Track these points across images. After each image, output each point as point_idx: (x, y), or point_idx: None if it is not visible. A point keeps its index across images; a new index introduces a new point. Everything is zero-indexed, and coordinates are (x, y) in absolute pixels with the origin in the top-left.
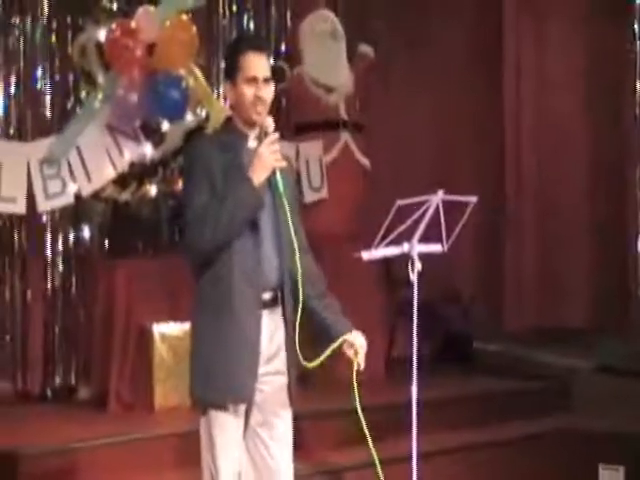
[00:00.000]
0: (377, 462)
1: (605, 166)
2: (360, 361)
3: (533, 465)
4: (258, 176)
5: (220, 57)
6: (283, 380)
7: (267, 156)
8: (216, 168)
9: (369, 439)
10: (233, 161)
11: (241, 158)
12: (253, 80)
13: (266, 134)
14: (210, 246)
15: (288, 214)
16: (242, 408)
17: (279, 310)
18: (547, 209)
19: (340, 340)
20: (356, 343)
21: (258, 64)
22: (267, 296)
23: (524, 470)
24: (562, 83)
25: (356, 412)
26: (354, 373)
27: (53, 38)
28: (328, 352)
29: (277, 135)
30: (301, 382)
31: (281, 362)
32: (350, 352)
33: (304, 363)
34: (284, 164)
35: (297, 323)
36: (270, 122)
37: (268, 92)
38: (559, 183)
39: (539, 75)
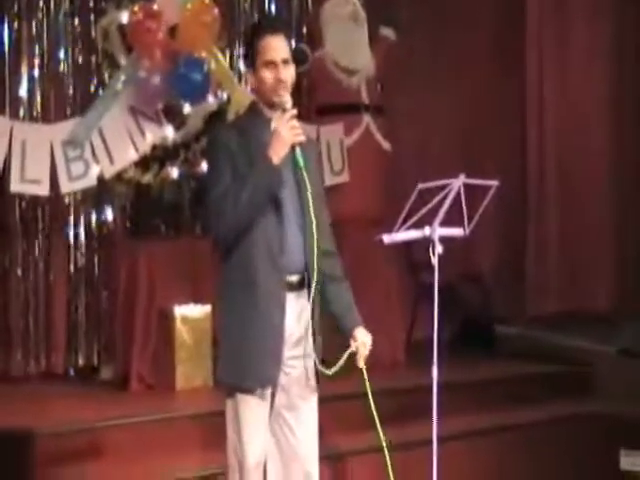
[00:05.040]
0: (385, 447)
1: (629, 149)
2: (361, 360)
3: (554, 449)
4: (277, 153)
5: (242, 40)
6: (309, 363)
7: (285, 132)
8: (239, 154)
9: (379, 427)
10: (256, 145)
11: (264, 141)
12: (272, 64)
13: (284, 110)
14: (232, 229)
15: (309, 187)
16: (268, 391)
17: (305, 293)
18: (570, 191)
19: (349, 349)
20: (359, 340)
21: (276, 47)
22: (293, 279)
23: (545, 454)
24: (585, 66)
25: (371, 396)
26: (363, 371)
27: (76, 21)
28: (343, 359)
29: (295, 111)
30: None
31: (308, 345)
32: (354, 346)
33: (323, 370)
34: (303, 139)
35: (311, 298)
36: (288, 99)
37: (288, 73)
38: (582, 165)
39: (562, 56)
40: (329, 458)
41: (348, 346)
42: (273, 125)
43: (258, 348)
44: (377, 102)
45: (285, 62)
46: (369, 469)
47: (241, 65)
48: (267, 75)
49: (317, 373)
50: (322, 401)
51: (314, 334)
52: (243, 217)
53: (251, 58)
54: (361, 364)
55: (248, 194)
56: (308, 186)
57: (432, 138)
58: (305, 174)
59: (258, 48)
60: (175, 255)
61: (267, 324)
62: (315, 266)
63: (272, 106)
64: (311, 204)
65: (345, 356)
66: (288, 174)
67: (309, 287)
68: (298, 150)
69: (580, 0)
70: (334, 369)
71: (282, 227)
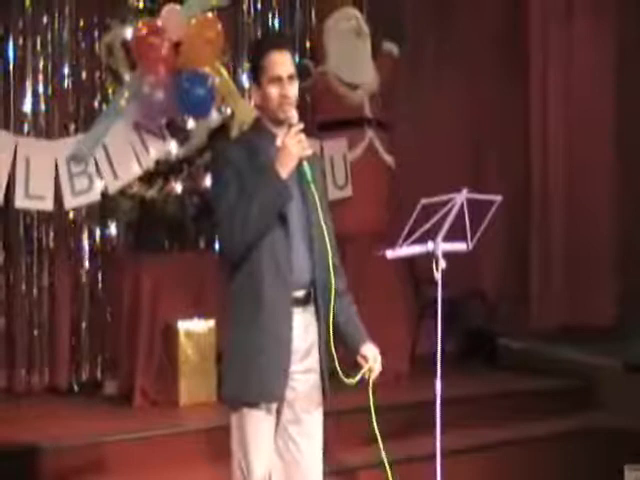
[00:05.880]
0: (386, 464)
1: (635, 157)
2: (372, 375)
3: (558, 464)
4: (285, 168)
5: (245, 55)
6: (315, 378)
7: (292, 146)
8: (245, 171)
9: (380, 443)
10: (262, 161)
11: (270, 158)
12: (278, 79)
13: (290, 125)
14: (241, 244)
15: (317, 201)
16: (274, 406)
17: (311, 308)
18: (574, 205)
19: (365, 368)
20: (369, 356)
21: (281, 63)
22: (299, 294)
23: (548, 469)
24: (590, 70)
25: (375, 412)
26: (370, 387)
27: (80, 37)
28: (362, 373)
29: (301, 125)
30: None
31: (314, 360)
32: (364, 364)
33: (344, 379)
34: (310, 152)
35: (331, 317)
36: (293, 114)
37: (293, 89)
38: (587, 178)
39: (567, 63)
40: (335, 473)
41: (356, 361)
42: (278, 141)
43: (265, 363)
44: (380, 117)
45: (290, 78)
46: None
47: (244, 80)
48: (273, 91)
49: (323, 388)
50: (328, 415)
51: (321, 349)
52: (252, 232)
53: (256, 74)
54: (373, 377)
55: (257, 209)
56: (317, 200)
57: (435, 153)
58: (313, 188)
59: (264, 64)
60: (179, 270)
61: (274, 339)
62: (333, 285)
63: (277, 122)
64: (321, 218)
65: (362, 372)
66: (294, 188)
67: (315, 302)
68: (305, 164)
69: (583, 6)
70: (356, 379)
71: (289, 242)
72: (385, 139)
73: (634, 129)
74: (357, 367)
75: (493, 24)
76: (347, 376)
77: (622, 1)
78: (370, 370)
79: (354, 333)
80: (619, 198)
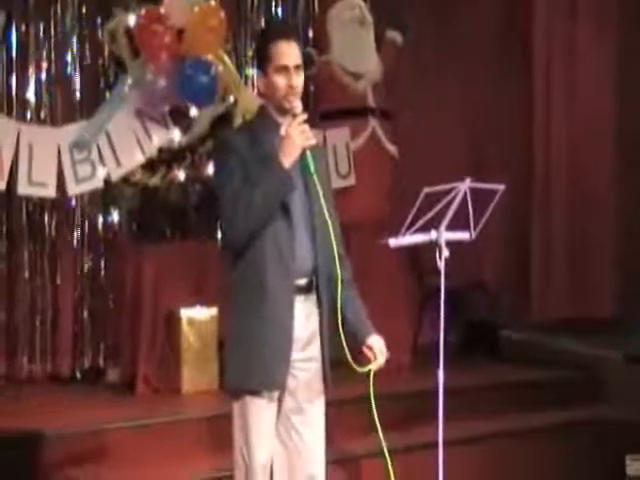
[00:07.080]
0: (386, 452)
1: (636, 153)
2: (376, 366)
3: (559, 455)
4: (288, 157)
5: (248, 43)
6: (317, 367)
7: (296, 136)
8: (249, 160)
9: (380, 432)
10: (266, 150)
11: (274, 147)
12: (284, 69)
13: (294, 115)
14: (244, 231)
15: (320, 192)
16: (276, 394)
17: (313, 297)
18: (576, 197)
19: (373, 363)
20: (375, 348)
21: (288, 52)
22: (301, 282)
23: (550, 460)
24: (593, 66)
25: (376, 401)
26: (370, 379)
27: (83, 24)
28: (369, 367)
29: (305, 115)
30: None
31: (315, 349)
32: (369, 355)
33: (355, 367)
34: (314, 142)
35: (339, 306)
36: (298, 104)
37: (299, 80)
38: (588, 171)
39: (570, 55)
40: (338, 462)
41: (361, 352)
42: (283, 130)
43: (267, 351)
44: (383, 106)
45: (297, 68)
46: (380, 472)
47: (248, 68)
48: (279, 80)
49: (325, 377)
50: (330, 404)
51: (322, 338)
52: (254, 221)
53: (262, 62)
54: (375, 368)
55: (260, 198)
56: (320, 190)
57: (438, 142)
58: (316, 179)
59: (270, 53)
60: (181, 257)
61: (276, 327)
62: (339, 276)
63: (282, 111)
64: (324, 208)
65: (371, 366)
66: (297, 178)
67: (317, 290)
68: (309, 154)
69: (586, 5)
70: (365, 368)
71: (292, 231)
72: (388, 128)
73: (635, 124)
74: (362, 355)
75: (497, 14)
76: (358, 365)
77: (624, 2)
78: (375, 359)
79: (361, 328)
80: (620, 191)
